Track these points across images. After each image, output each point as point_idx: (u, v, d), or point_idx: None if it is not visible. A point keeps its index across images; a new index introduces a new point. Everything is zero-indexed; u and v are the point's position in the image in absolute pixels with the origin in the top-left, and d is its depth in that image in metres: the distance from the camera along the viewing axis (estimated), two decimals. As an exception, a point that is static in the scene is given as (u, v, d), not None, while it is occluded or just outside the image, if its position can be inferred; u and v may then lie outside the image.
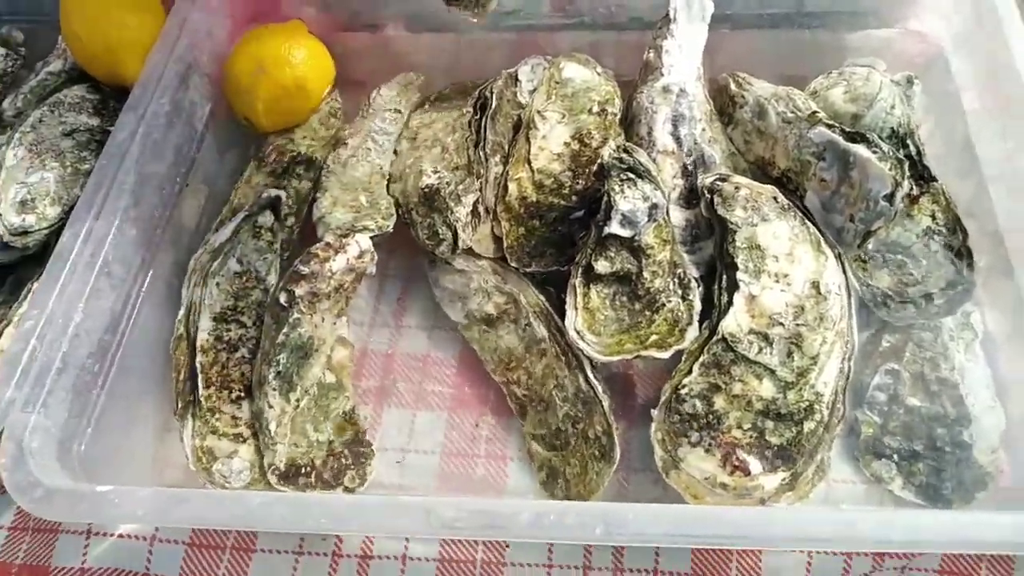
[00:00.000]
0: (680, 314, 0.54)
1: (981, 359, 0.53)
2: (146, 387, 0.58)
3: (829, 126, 0.57)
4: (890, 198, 0.52)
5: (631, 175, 0.56)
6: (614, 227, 0.55)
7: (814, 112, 0.59)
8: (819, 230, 0.56)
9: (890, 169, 0.53)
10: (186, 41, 0.67)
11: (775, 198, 0.57)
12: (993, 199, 0.58)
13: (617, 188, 0.55)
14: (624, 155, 0.56)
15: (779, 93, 0.63)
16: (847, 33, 0.69)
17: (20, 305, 0.58)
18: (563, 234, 0.59)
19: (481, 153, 0.64)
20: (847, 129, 0.56)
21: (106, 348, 0.55)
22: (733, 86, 0.65)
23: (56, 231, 0.60)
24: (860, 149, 0.54)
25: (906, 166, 0.53)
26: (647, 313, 0.55)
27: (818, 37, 0.69)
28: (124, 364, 0.56)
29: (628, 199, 0.55)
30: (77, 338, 0.53)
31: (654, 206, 0.55)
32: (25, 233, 0.58)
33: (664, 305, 0.54)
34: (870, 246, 0.56)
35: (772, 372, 0.50)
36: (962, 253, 0.54)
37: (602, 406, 0.52)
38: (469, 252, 0.61)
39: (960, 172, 0.61)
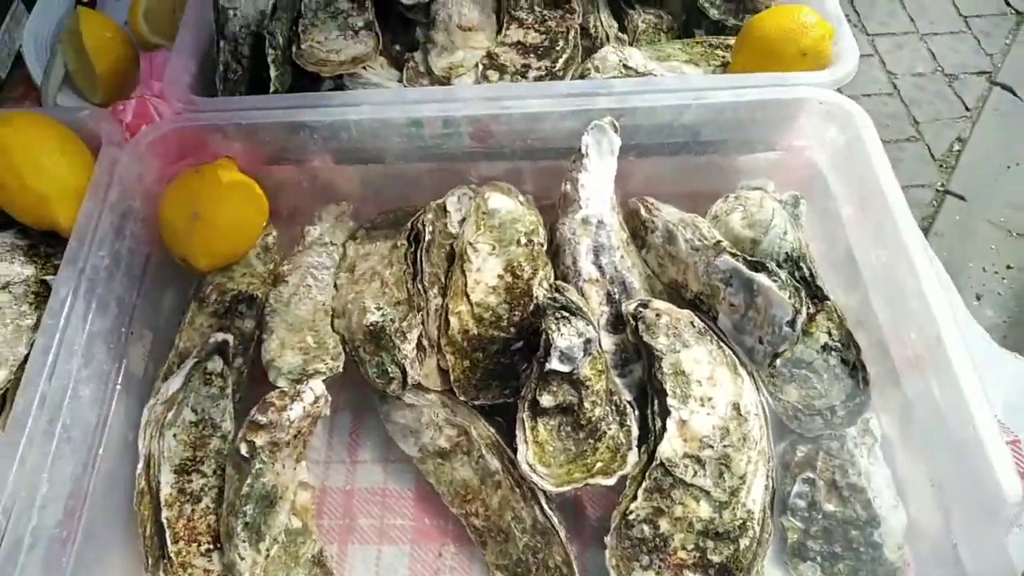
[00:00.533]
0: (620, 440, 0.59)
1: (882, 461, 0.61)
2: (114, 545, 0.58)
3: (733, 255, 0.64)
4: (792, 323, 0.60)
5: (565, 313, 0.61)
6: (554, 363, 0.59)
7: (719, 241, 0.66)
8: (733, 351, 0.63)
9: (790, 297, 0.60)
10: (118, 188, 0.68)
11: (692, 322, 0.64)
12: (875, 309, 0.66)
13: (554, 327, 0.60)
14: (557, 295, 0.62)
15: (686, 220, 0.69)
16: (738, 156, 0.77)
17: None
18: (505, 365, 0.64)
19: (420, 286, 0.68)
20: (749, 258, 0.63)
21: (72, 513, 0.56)
22: (643, 212, 0.72)
23: (3, 393, 0.60)
24: (762, 278, 0.61)
25: (803, 293, 0.61)
26: (591, 441, 0.60)
27: (713, 160, 0.77)
28: (91, 526, 0.57)
29: (564, 336, 0.60)
30: (44, 509, 0.53)
31: (588, 341, 0.60)
32: (-28, 400, 0.58)
33: (605, 433, 0.60)
34: (778, 363, 0.63)
35: (707, 493, 0.56)
36: (856, 367, 0.62)
37: (559, 536, 0.57)
38: (418, 386, 0.64)
39: (846, 284, 0.69)
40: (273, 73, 0.78)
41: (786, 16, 0.75)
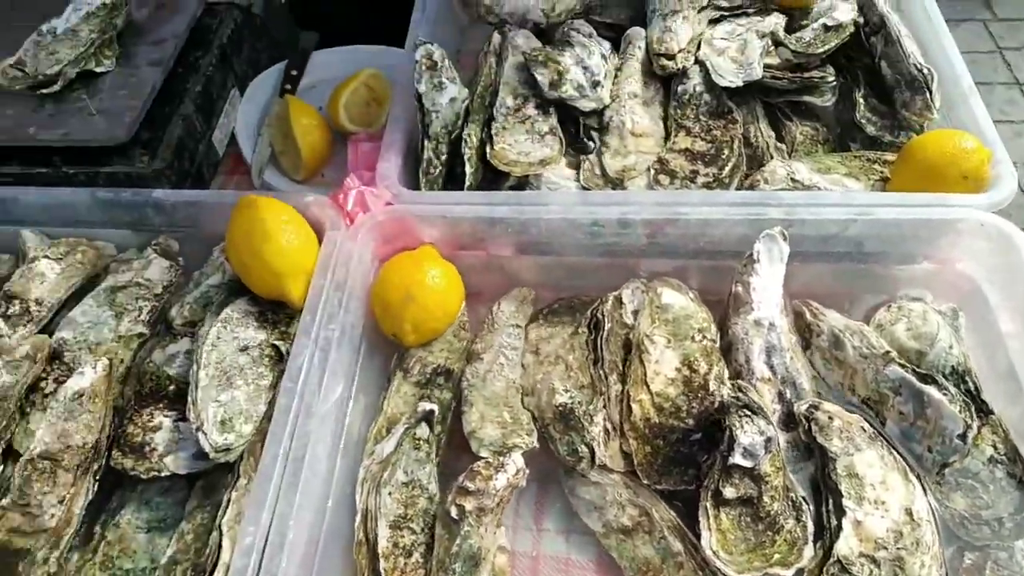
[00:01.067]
0: (797, 534, 0.64)
1: (1050, 575, 0.64)
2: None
3: (902, 366, 0.69)
4: (963, 437, 0.64)
5: (748, 411, 0.66)
6: (737, 458, 0.65)
7: (887, 351, 0.70)
8: (903, 457, 0.67)
9: (960, 412, 0.64)
10: (342, 269, 0.77)
11: (863, 427, 0.68)
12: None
13: (737, 424, 0.66)
14: (740, 394, 0.67)
15: (852, 327, 0.74)
16: (896, 266, 0.82)
17: (225, 513, 0.65)
18: (685, 454, 0.69)
19: (601, 372, 0.75)
20: (919, 370, 0.68)
21: (308, 560, 0.63)
22: (808, 315, 0.77)
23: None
24: (933, 391, 0.66)
25: (973, 408, 0.65)
26: (769, 533, 0.64)
27: (872, 269, 0.82)
28: (322, 571, 0.64)
29: (748, 434, 0.65)
30: (290, 553, 0.61)
31: (769, 439, 0.66)
32: (227, 450, 0.66)
33: (783, 526, 0.64)
34: (946, 472, 0.67)
35: (883, 592, 0.60)
36: (1023, 481, 0.65)
37: (742, 618, 0.61)
38: (602, 466, 0.70)
39: (1008, 398, 0.72)
40: (468, 170, 0.87)
41: (948, 140, 0.81)
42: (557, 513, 0.72)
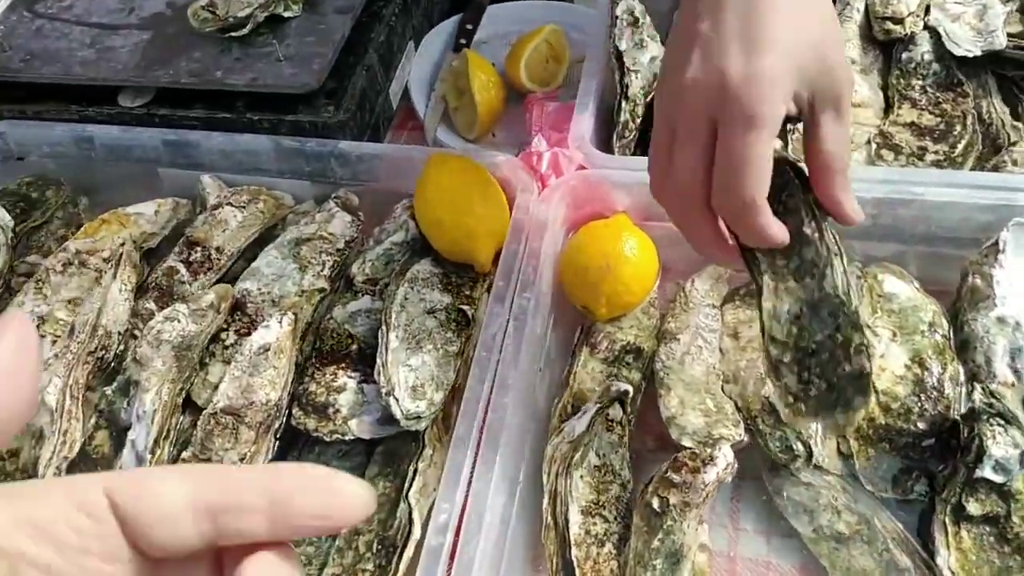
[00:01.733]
0: (1050, 564, 0.56)
1: None
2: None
3: None
4: None
5: (1001, 420, 0.59)
6: (987, 471, 0.57)
7: None
8: None
9: None
10: (536, 234, 0.73)
11: None
12: None
13: (989, 433, 0.58)
14: (993, 400, 0.59)
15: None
16: None
17: (411, 485, 0.62)
18: (915, 461, 0.62)
19: (813, 364, 0.68)
20: None
21: (500, 541, 0.59)
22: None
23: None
24: None
25: None
26: (1017, 558, 0.57)
27: None
28: (512, 556, 0.60)
29: (1001, 446, 0.58)
30: (486, 536, 0.57)
31: (1023, 453, 0.58)
32: (418, 418, 0.64)
33: (1034, 553, 0.56)
34: None
35: None
36: None
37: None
38: (817, 467, 0.64)
39: None
40: (665, 135, 0.81)
41: None
42: (754, 512, 0.66)
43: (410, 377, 0.66)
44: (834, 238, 0.54)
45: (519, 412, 0.64)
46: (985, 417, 0.59)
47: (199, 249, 0.79)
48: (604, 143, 0.84)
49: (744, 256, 0.55)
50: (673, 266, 0.80)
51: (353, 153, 0.83)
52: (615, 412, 0.67)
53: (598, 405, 0.67)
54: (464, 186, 0.75)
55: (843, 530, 0.62)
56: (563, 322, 0.77)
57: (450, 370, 0.68)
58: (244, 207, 0.82)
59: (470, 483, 0.59)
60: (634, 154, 0.83)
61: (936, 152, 0.79)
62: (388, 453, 0.67)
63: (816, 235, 0.54)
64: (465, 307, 0.72)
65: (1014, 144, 0.77)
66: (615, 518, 0.63)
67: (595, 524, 0.63)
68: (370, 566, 0.61)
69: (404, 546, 0.58)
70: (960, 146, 0.79)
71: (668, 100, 0.51)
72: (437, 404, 0.65)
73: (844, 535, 0.62)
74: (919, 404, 0.64)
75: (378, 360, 0.66)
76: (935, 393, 0.64)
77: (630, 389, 0.68)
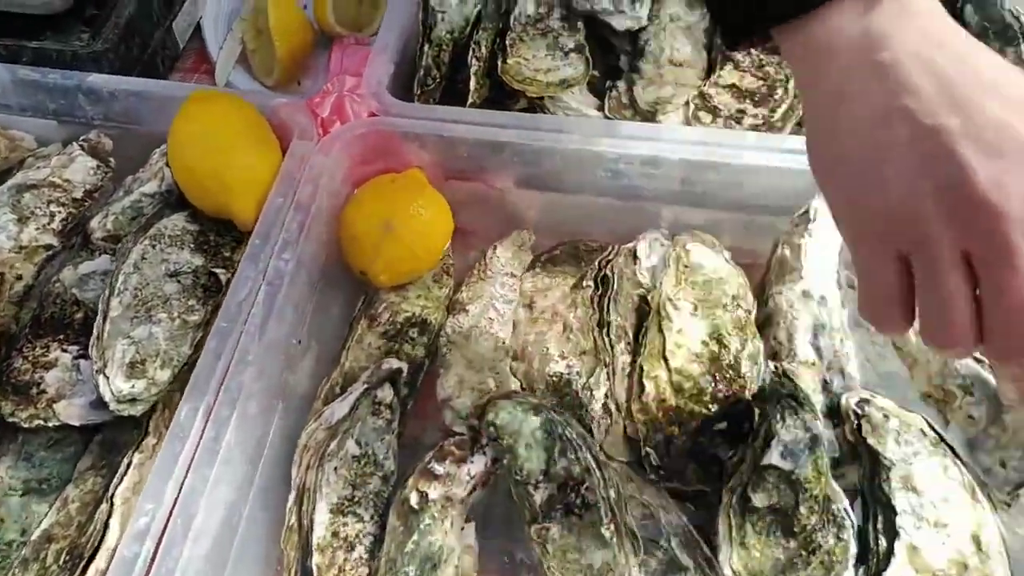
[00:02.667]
0: (836, 556, 0.52)
1: None
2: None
3: (978, 360, 0.56)
4: (1053, 454, 0.51)
5: (792, 402, 0.54)
6: (774, 458, 0.52)
7: (966, 344, 0.58)
8: (970, 471, 0.55)
9: (1052, 423, 0.52)
10: (308, 188, 0.64)
11: (923, 430, 0.56)
12: None
13: (779, 416, 0.53)
14: (785, 380, 0.55)
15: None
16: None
17: (121, 481, 0.52)
18: (704, 448, 0.57)
19: (606, 338, 0.62)
20: (1003, 368, 0.55)
21: (223, 546, 0.50)
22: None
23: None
24: (1018, 396, 0.53)
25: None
26: (803, 553, 0.52)
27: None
28: (238, 564, 0.51)
29: (790, 429, 0.53)
30: (196, 542, 0.48)
31: (815, 438, 0.53)
32: (133, 401, 0.53)
33: (820, 546, 0.52)
34: (1021, 495, 0.55)
35: (944, 641, 0.48)
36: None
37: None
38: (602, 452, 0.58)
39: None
40: (473, 85, 0.74)
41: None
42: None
43: (129, 352, 0.55)
44: None
45: (264, 394, 0.55)
46: (776, 399, 0.54)
47: None
48: (407, 92, 0.75)
49: None
50: (476, 230, 0.73)
51: (107, 88, 0.71)
52: (384, 393, 0.59)
53: (365, 386, 0.58)
54: (225, 129, 0.64)
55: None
56: (343, 290, 0.68)
57: (185, 344, 0.58)
58: (-34, 149, 0.69)
59: (184, 480, 0.49)
60: (440, 104, 0.75)
61: (755, 116, 0.74)
62: (107, 443, 0.57)
63: None
64: (219, 270, 0.62)
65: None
66: (372, 517, 0.55)
67: (346, 524, 0.54)
68: (51, 581, 0.50)
69: (92, 556, 0.48)
70: (780, 111, 0.74)
71: (884, 209, 0.37)
72: (161, 384, 0.55)
73: (633, 530, 0.56)
74: (713, 384, 0.59)
75: (94, 330, 0.56)
76: (731, 372, 0.59)
77: (403, 367, 0.60)
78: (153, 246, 0.62)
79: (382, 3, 0.94)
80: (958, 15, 0.78)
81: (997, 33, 0.77)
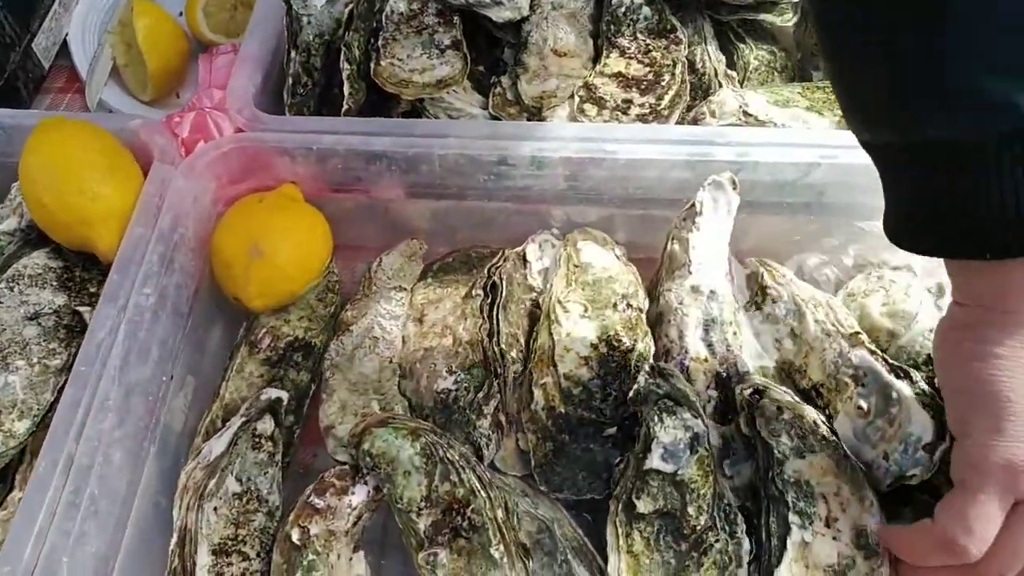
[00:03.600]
0: (729, 555, 0.52)
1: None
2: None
3: (872, 352, 0.57)
4: (931, 448, 0.52)
5: (669, 402, 0.54)
6: (655, 461, 0.52)
7: (857, 332, 0.58)
8: (856, 465, 0.55)
9: (933, 417, 0.52)
10: (170, 214, 0.62)
11: (815, 422, 0.56)
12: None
13: (656, 418, 0.53)
14: (660, 380, 0.55)
15: (819, 299, 0.62)
16: (865, 222, 0.69)
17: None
18: (595, 454, 0.57)
19: (496, 349, 0.62)
20: (891, 361, 0.56)
21: (91, 607, 0.49)
22: (767, 277, 0.65)
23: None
24: (904, 387, 0.54)
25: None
26: (694, 555, 0.52)
27: (837, 223, 0.70)
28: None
29: (668, 430, 0.53)
30: (61, 602, 0.46)
31: (696, 436, 0.53)
32: (-11, 456, 0.52)
33: (712, 546, 0.52)
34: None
35: (830, 637, 0.49)
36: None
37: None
38: (493, 468, 0.57)
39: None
40: (347, 90, 0.72)
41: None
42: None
43: (-17, 404, 0.53)
44: None
45: (130, 439, 0.54)
46: (653, 400, 0.54)
47: None
48: (277, 103, 0.73)
49: None
50: (363, 244, 0.72)
51: (-47, 120, 0.68)
52: (264, 425, 0.58)
53: (243, 419, 0.57)
54: (79, 159, 0.62)
55: (523, 540, 0.56)
56: (222, 318, 0.66)
57: (47, 391, 0.56)
58: None
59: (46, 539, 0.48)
60: (313, 115, 0.73)
61: (642, 105, 0.74)
62: (-31, 501, 0.55)
63: None
64: (84, 308, 0.60)
65: (713, 94, 0.73)
66: (258, 554, 0.54)
67: (230, 565, 0.53)
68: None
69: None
70: (667, 97, 0.74)
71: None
72: (19, 436, 0.53)
73: (525, 546, 0.56)
74: (603, 388, 0.59)
75: (-57, 386, 0.53)
76: (622, 374, 0.59)
77: (283, 396, 0.58)
78: (11, 288, 0.59)
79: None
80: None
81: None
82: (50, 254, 0.63)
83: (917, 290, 0.62)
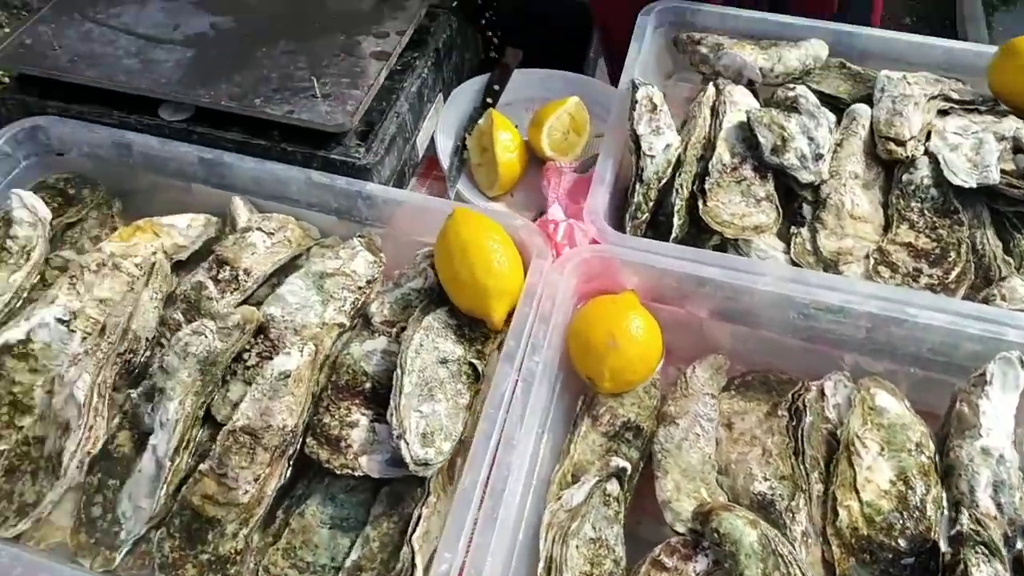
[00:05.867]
0: None
1: None
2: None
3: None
4: None
5: (985, 550, 0.57)
6: (970, 602, 0.55)
7: None
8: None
9: None
10: (548, 302, 0.71)
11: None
12: None
13: (974, 561, 0.56)
14: (981, 529, 0.58)
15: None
16: None
17: (415, 530, 0.59)
18: (893, 576, 0.60)
19: (803, 466, 0.66)
20: None
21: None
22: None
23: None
24: None
25: None
26: None
27: None
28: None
29: (984, 575, 0.56)
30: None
31: (1003, 586, 0.56)
32: (426, 464, 0.61)
33: None
34: None
35: None
36: None
37: None
38: None
39: None
40: (676, 222, 0.80)
41: None
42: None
43: (421, 424, 0.63)
44: None
45: (522, 472, 0.62)
46: (971, 543, 0.57)
47: (228, 268, 0.76)
48: (616, 220, 0.83)
49: None
50: (675, 351, 0.79)
51: (380, 197, 0.81)
52: (612, 487, 0.65)
53: (597, 478, 0.64)
54: (483, 245, 0.72)
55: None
56: (567, 389, 0.74)
57: (459, 422, 0.65)
58: (273, 234, 0.80)
59: (472, 536, 0.56)
60: (644, 235, 0.82)
61: (931, 276, 0.78)
62: (394, 495, 0.64)
63: None
64: (476, 361, 0.70)
65: (1004, 279, 0.77)
66: (607, 596, 0.60)
67: (586, 599, 0.60)
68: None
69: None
70: (954, 273, 0.78)
71: None
72: (445, 453, 0.62)
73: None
74: (901, 521, 0.63)
75: (391, 402, 0.63)
76: (917, 513, 0.63)
77: (628, 467, 0.65)
78: (427, 335, 0.69)
79: (584, 132, 1.03)
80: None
81: None
82: (448, 312, 0.73)
83: None
